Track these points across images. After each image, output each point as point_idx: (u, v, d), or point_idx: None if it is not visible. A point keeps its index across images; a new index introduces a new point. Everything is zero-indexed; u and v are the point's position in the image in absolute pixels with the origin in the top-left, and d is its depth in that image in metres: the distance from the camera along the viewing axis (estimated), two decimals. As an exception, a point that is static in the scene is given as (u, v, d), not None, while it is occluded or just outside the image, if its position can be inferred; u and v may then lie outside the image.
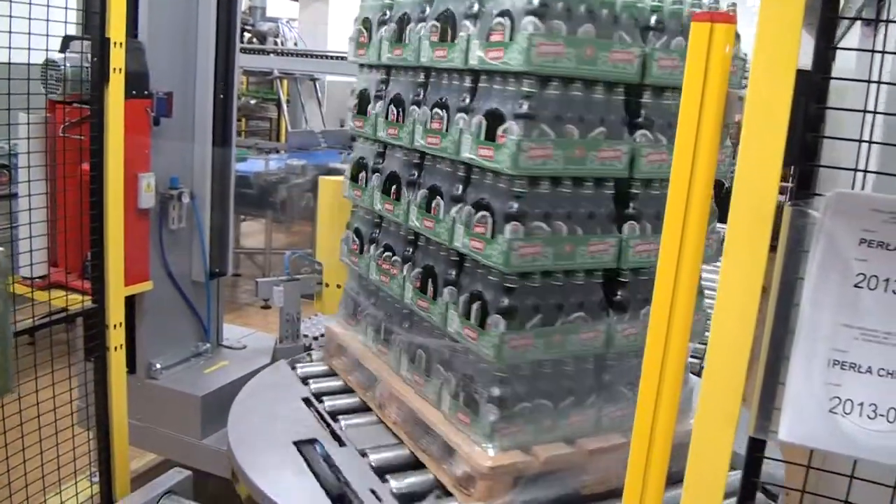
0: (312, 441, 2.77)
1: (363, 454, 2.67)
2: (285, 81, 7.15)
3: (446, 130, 2.51)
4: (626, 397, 2.52)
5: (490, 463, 2.31)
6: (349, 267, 3.28)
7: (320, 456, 2.69)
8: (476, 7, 2.42)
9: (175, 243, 3.70)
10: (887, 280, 1.23)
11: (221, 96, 3.79)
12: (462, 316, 2.43)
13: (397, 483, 2.50)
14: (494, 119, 2.31)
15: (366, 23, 3.07)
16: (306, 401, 3.08)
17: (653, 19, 2.42)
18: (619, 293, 2.49)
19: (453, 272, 2.55)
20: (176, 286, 3.76)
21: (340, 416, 2.93)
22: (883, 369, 1.25)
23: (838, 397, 1.27)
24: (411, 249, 2.81)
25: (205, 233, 3.79)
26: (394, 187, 2.86)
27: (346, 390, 3.18)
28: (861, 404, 1.26)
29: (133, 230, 3.20)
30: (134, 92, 3.23)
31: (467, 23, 2.44)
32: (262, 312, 6.09)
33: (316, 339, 4.25)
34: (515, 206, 2.27)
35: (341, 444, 2.75)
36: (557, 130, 2.27)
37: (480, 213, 2.35)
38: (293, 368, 3.38)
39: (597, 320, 2.44)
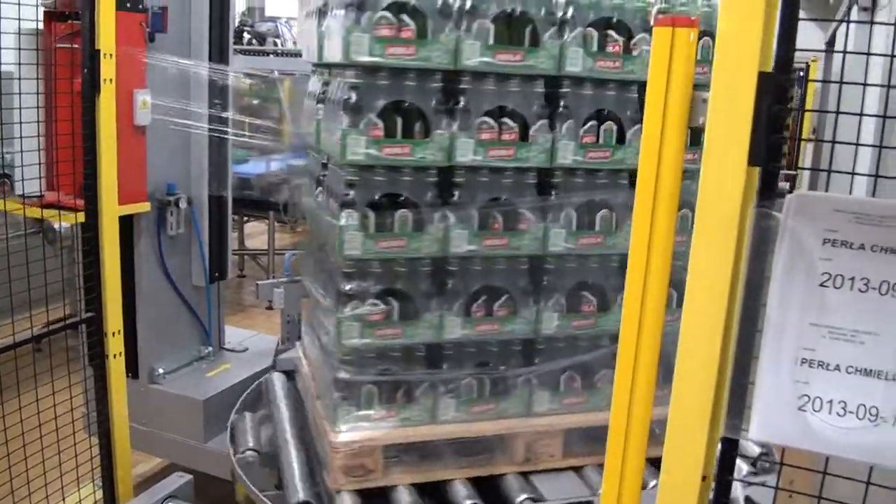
0: None
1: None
2: (286, 81, 7.15)
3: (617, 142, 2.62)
4: None
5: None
6: (352, 349, 2.55)
7: None
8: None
9: (174, 249, 3.73)
10: (853, 279, 1.24)
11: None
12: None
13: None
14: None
15: (396, 9, 2.46)
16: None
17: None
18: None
19: (613, 279, 2.66)
20: (176, 291, 3.79)
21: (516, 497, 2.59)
22: (851, 367, 1.26)
23: (807, 395, 1.28)
24: (527, 281, 2.65)
25: (203, 238, 3.82)
26: (493, 219, 2.60)
27: (430, 487, 2.65)
28: (830, 402, 1.27)
29: (129, 148, 3.20)
30: (128, 4, 3.22)
31: (646, 35, 2.49)
32: (267, 313, 6.13)
33: (318, 339, 4.28)
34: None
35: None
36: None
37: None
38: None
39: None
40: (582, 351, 2.68)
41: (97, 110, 2.62)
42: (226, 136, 3.89)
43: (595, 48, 2.47)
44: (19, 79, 2.78)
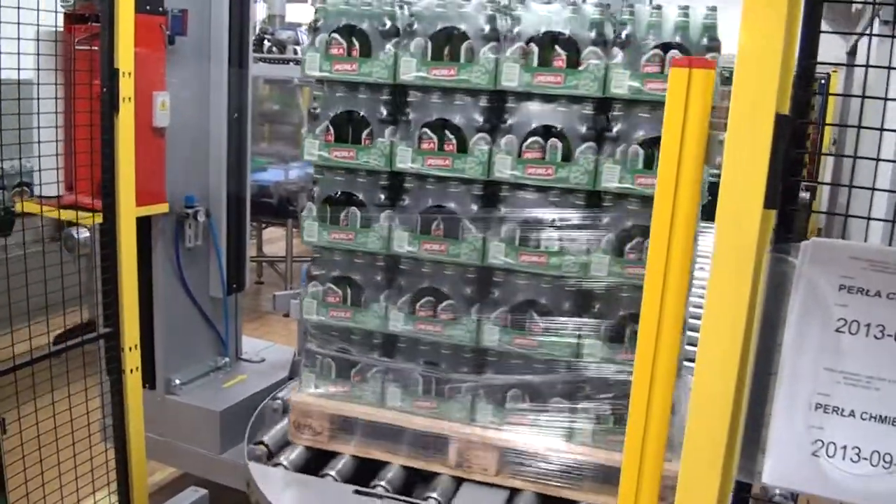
0: None
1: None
2: (306, 89, 7.18)
3: (564, 159, 2.52)
4: None
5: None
6: (314, 324, 2.90)
7: None
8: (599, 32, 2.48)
9: (192, 261, 3.75)
10: (868, 325, 1.23)
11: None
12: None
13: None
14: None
15: (347, 32, 2.69)
16: (360, 493, 2.70)
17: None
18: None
19: (568, 303, 2.60)
20: (194, 302, 3.81)
21: (427, 494, 2.67)
22: (866, 413, 1.25)
23: (821, 440, 1.27)
24: (473, 290, 2.71)
25: (222, 250, 3.83)
26: (435, 225, 2.67)
27: (376, 465, 2.84)
28: (844, 447, 1.27)
29: (148, 149, 3.24)
30: (148, 7, 3.24)
31: (597, 49, 2.46)
32: (284, 321, 6.14)
33: (334, 350, 4.29)
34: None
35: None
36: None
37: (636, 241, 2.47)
38: (276, 464, 2.86)
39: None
40: (533, 372, 2.66)
41: (115, 129, 2.64)
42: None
43: (536, 63, 2.50)
44: (38, 82, 2.80)
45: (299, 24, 8.00)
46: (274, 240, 8.49)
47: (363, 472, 2.81)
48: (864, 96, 1.37)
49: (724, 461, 1.33)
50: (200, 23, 3.64)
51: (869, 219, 1.30)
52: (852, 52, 8.50)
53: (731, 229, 1.28)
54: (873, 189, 1.34)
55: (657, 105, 2.36)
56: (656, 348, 1.44)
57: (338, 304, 2.82)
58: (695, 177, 1.33)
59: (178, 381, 3.72)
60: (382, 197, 2.75)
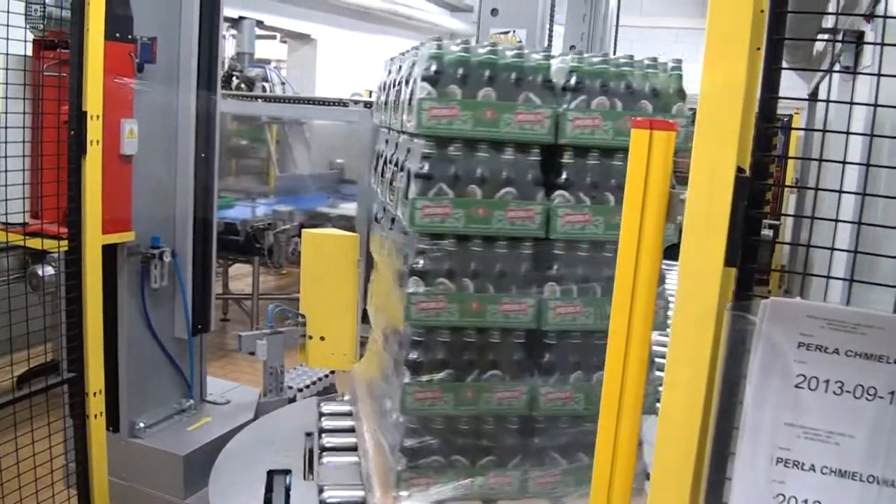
0: (286, 472, 2.88)
1: (320, 490, 2.72)
2: (273, 126, 7.20)
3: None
4: (556, 462, 2.57)
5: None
6: None
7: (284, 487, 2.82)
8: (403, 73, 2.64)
9: (157, 301, 3.72)
10: (827, 381, 1.26)
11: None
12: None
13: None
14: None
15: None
16: (307, 433, 3.19)
17: (572, 80, 2.44)
18: (545, 355, 2.52)
19: None
20: (158, 343, 3.78)
21: (326, 454, 2.98)
22: (826, 467, 1.28)
23: (783, 494, 1.29)
24: None
25: (187, 290, 3.81)
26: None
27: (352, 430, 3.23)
28: (805, 501, 1.29)
29: (115, 177, 3.24)
30: (117, 35, 3.26)
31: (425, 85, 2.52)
32: (250, 359, 6.10)
33: (300, 390, 4.27)
34: (420, 262, 2.42)
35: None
36: (460, 190, 2.38)
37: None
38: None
39: (517, 380, 2.50)
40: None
41: (83, 172, 2.63)
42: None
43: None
44: (6, 110, 2.80)
45: (268, 62, 8.04)
46: (240, 276, 8.43)
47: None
48: (824, 130, 1.42)
49: (688, 515, 1.35)
50: (169, 51, 3.66)
51: (828, 277, 1.33)
52: (814, 94, 8.72)
53: (692, 286, 1.31)
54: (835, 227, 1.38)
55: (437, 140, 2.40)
56: (620, 403, 1.46)
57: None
58: (656, 236, 1.35)
59: (142, 424, 3.68)
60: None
